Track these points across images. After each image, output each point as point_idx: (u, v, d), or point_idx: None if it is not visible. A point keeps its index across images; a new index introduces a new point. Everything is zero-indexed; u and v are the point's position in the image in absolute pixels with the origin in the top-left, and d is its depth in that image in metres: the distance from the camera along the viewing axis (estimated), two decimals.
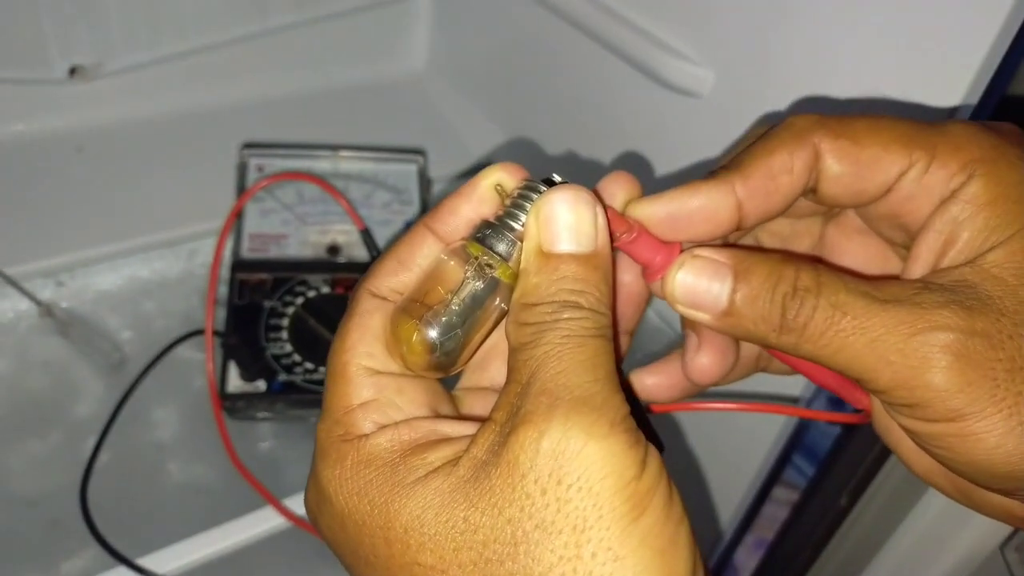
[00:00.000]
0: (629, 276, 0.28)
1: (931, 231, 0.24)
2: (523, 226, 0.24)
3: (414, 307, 0.24)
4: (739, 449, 0.63)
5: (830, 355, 0.23)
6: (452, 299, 0.24)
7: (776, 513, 0.71)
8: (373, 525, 0.22)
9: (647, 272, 0.27)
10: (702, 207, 0.25)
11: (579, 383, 0.21)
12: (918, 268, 0.25)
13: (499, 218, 0.25)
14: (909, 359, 0.22)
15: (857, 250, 0.29)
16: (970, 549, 0.52)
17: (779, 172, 0.25)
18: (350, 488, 0.23)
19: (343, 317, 0.26)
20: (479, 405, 0.28)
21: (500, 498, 0.21)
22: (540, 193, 0.24)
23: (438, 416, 0.25)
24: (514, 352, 0.23)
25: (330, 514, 0.24)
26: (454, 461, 0.22)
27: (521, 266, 0.24)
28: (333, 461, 0.24)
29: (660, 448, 0.23)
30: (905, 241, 0.26)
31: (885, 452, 0.55)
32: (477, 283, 0.24)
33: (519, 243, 0.24)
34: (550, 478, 0.20)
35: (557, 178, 0.25)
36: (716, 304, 0.24)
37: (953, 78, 0.39)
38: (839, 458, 0.59)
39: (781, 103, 0.48)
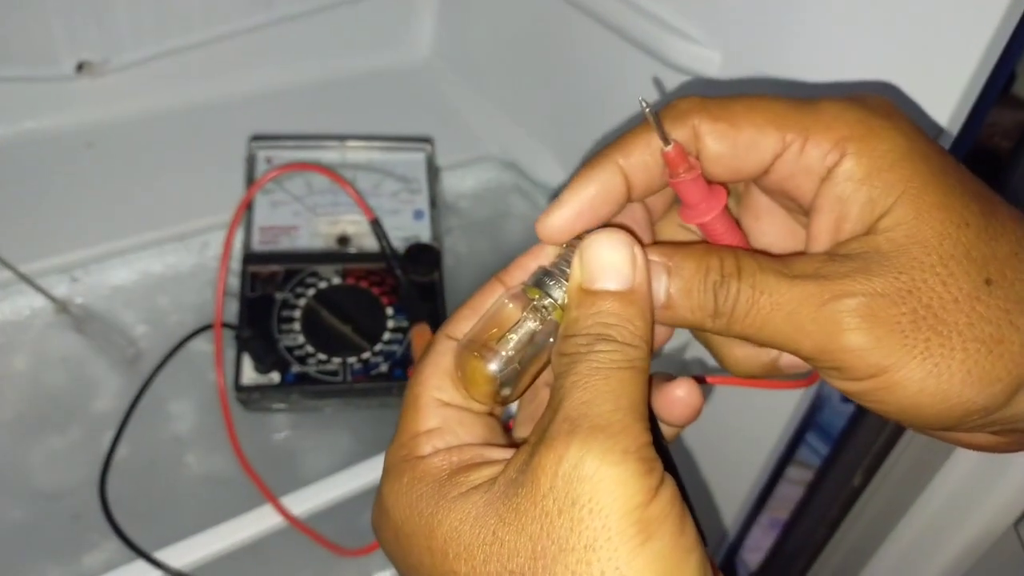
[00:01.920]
0: None
1: (822, 212, 0.26)
2: None
3: (477, 344, 0.27)
4: (753, 429, 0.63)
5: (756, 332, 0.25)
6: (511, 337, 0.27)
7: (790, 493, 0.71)
8: (420, 535, 0.25)
9: (687, 212, 0.28)
10: (599, 191, 0.27)
11: (600, 412, 0.23)
12: (819, 246, 0.26)
13: (555, 265, 0.28)
14: (823, 327, 0.24)
15: (767, 228, 0.30)
16: (984, 526, 0.52)
17: (657, 148, 0.27)
18: (404, 501, 0.26)
19: (422, 355, 0.29)
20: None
21: (524, 515, 0.22)
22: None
23: (489, 444, 0.28)
24: (554, 381, 0.25)
25: (387, 527, 0.26)
26: (493, 480, 0.24)
27: (567, 302, 0.26)
28: (393, 478, 0.26)
29: (676, 477, 0.24)
30: (804, 213, 0.28)
31: (898, 431, 0.54)
32: (533, 323, 0.27)
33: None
34: (566, 499, 0.22)
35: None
36: (656, 299, 0.27)
37: (959, 58, 0.39)
38: (852, 437, 0.59)
39: (787, 82, 0.48)
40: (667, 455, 0.25)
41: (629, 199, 0.28)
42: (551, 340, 0.27)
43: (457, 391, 0.28)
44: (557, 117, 0.72)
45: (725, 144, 0.26)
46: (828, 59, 0.45)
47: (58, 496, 0.52)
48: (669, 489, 0.23)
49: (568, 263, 0.27)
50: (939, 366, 0.23)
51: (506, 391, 0.27)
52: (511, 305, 0.28)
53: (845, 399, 0.51)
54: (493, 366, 0.27)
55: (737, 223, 0.30)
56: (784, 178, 0.27)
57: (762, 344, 0.26)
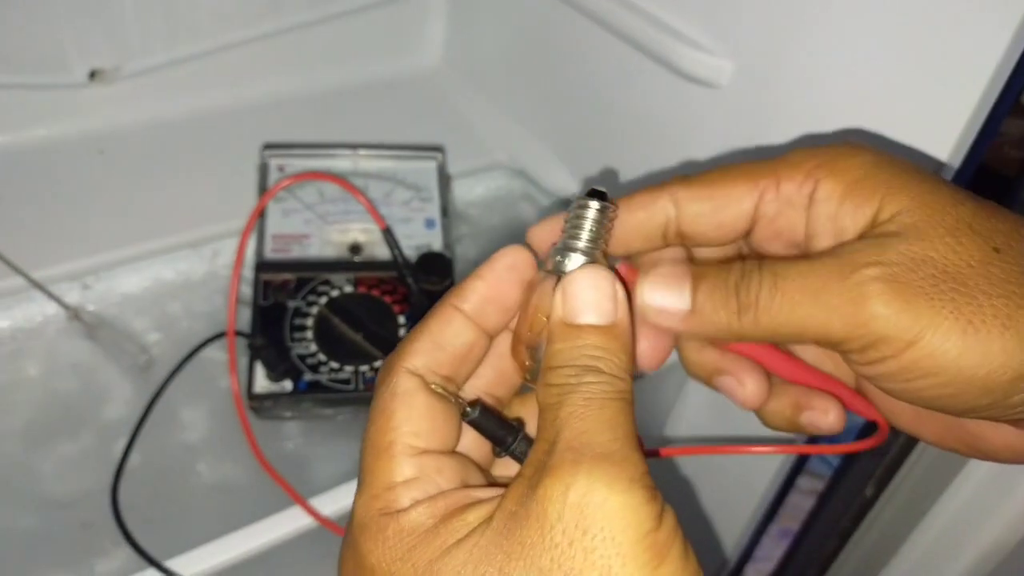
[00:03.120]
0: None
1: (818, 234, 0.27)
2: (587, 239, 0.27)
3: (523, 335, 0.28)
4: (765, 437, 0.63)
5: (785, 321, 0.25)
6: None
7: (801, 503, 0.71)
8: None
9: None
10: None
11: (601, 441, 0.23)
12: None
13: (564, 242, 0.28)
14: (850, 298, 0.24)
15: None
16: (998, 538, 0.52)
17: (635, 208, 0.29)
18: (392, 555, 0.25)
19: (381, 393, 0.27)
20: (505, 476, 0.31)
21: (532, 548, 0.22)
22: (589, 208, 0.27)
23: (468, 486, 0.27)
24: (542, 412, 0.25)
25: None
26: (489, 518, 0.24)
27: (547, 335, 0.26)
28: (374, 533, 0.25)
29: None
30: (802, 252, 0.29)
31: (911, 442, 0.54)
32: None
33: (586, 255, 0.27)
34: (576, 528, 0.22)
35: (601, 188, 0.28)
36: (681, 306, 0.27)
37: (974, 64, 0.39)
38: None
39: (800, 92, 0.48)
40: None
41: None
42: None
43: (435, 435, 0.27)
44: (566, 125, 0.72)
45: (703, 204, 0.28)
46: (841, 69, 0.45)
47: (69, 504, 0.52)
48: (671, 514, 0.23)
49: (577, 237, 0.27)
50: (973, 323, 0.23)
51: None
52: (538, 294, 0.28)
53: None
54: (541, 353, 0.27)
55: None
56: (771, 221, 0.28)
57: (791, 340, 0.26)
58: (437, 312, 0.28)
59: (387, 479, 0.26)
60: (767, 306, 0.25)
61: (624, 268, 0.29)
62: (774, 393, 0.31)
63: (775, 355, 0.31)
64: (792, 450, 0.33)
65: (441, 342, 0.27)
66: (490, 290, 0.28)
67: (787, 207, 0.28)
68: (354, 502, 0.26)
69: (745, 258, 0.30)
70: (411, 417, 0.26)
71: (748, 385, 0.30)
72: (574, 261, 0.27)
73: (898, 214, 0.25)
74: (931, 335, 0.23)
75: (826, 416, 0.31)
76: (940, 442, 0.30)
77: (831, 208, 0.27)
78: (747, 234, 0.29)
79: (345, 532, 0.27)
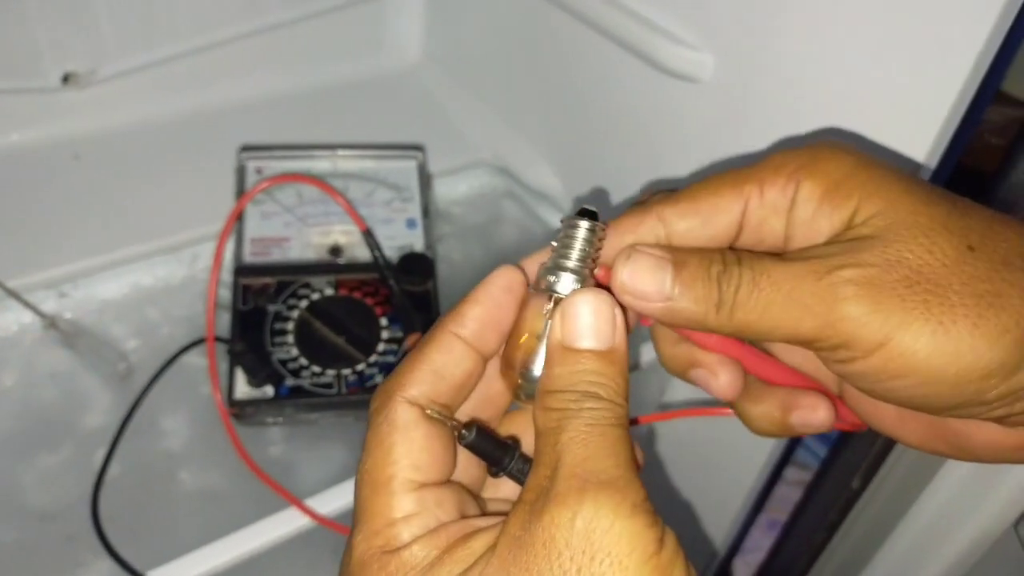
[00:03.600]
0: None
1: (794, 238, 0.28)
2: (577, 258, 0.28)
3: (515, 355, 0.28)
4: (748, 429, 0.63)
5: (759, 317, 0.25)
6: (542, 341, 0.27)
7: (789, 494, 0.71)
8: None
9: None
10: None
11: (604, 467, 0.23)
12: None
13: (554, 261, 0.28)
14: (823, 299, 0.24)
15: None
16: (984, 528, 0.52)
17: (623, 233, 0.29)
18: None
19: (378, 423, 0.26)
20: (495, 498, 0.31)
21: (540, 575, 0.22)
22: (579, 227, 0.27)
23: (466, 516, 0.27)
24: (541, 436, 0.25)
25: None
26: (492, 546, 0.24)
27: (546, 358, 0.26)
28: (375, 571, 0.25)
29: None
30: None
31: None
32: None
33: (576, 274, 0.27)
34: (583, 555, 0.22)
35: (591, 208, 0.28)
36: (660, 292, 0.26)
37: (954, 57, 0.38)
38: (851, 438, 0.59)
39: (781, 86, 0.48)
40: None
41: None
42: None
43: (434, 466, 0.26)
44: (549, 121, 0.71)
45: (690, 219, 0.28)
46: (822, 62, 0.45)
47: (51, 516, 0.51)
48: (672, 536, 0.23)
49: (567, 256, 0.27)
50: (943, 323, 0.24)
51: None
52: (530, 313, 0.28)
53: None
54: (535, 370, 0.27)
55: None
56: (755, 228, 0.28)
57: (763, 337, 0.26)
58: (435, 339, 0.28)
59: (387, 515, 0.25)
60: (743, 302, 0.25)
61: (604, 271, 0.29)
62: (759, 398, 0.31)
63: (754, 356, 0.31)
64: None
65: (442, 372, 0.27)
66: (488, 314, 0.28)
67: (771, 213, 0.28)
68: (351, 540, 0.26)
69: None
70: (411, 451, 0.26)
71: (722, 376, 0.31)
72: (564, 281, 0.27)
73: (873, 216, 0.25)
74: (901, 336, 0.24)
75: (816, 413, 0.31)
76: (924, 444, 0.30)
77: (809, 211, 0.27)
78: (734, 241, 0.29)
79: (341, 570, 0.26)
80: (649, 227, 0.29)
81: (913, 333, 0.24)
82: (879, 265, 0.24)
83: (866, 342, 0.24)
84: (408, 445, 0.26)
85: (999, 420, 0.26)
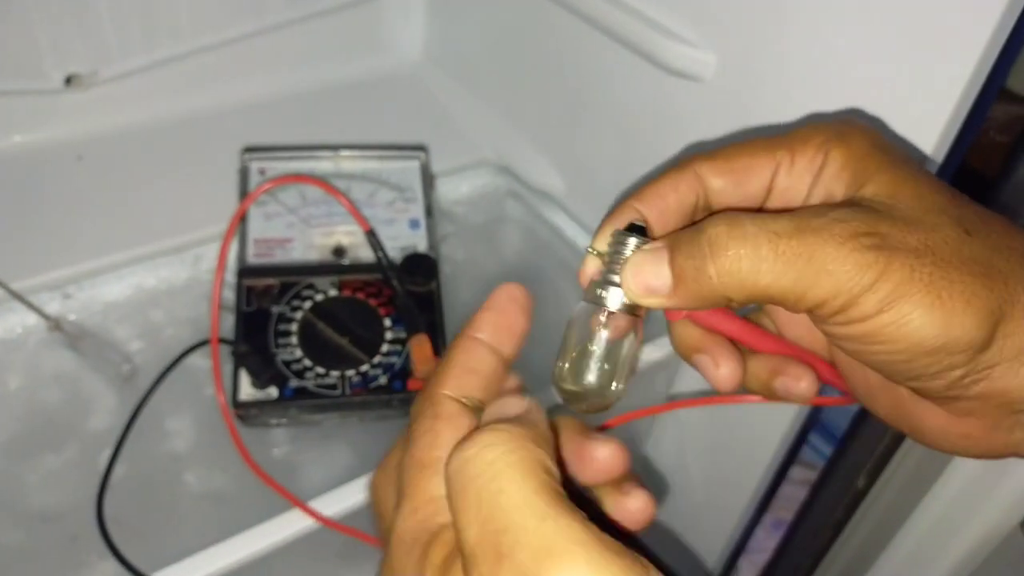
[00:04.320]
0: None
1: (812, 198, 0.29)
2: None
3: (567, 366, 0.30)
4: (756, 428, 0.63)
5: (769, 283, 0.26)
6: (593, 349, 0.29)
7: (794, 493, 0.71)
8: None
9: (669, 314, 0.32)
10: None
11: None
12: None
13: (604, 276, 0.29)
14: (843, 263, 0.25)
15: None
16: (990, 528, 0.52)
17: (666, 192, 0.30)
18: (434, 568, 0.25)
19: (424, 417, 0.28)
20: None
21: None
22: (628, 244, 0.29)
23: None
24: None
25: None
26: None
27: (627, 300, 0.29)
28: (410, 543, 0.26)
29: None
30: None
31: (901, 435, 0.54)
32: (605, 330, 0.29)
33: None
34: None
35: (640, 223, 0.29)
36: (664, 282, 0.28)
37: (958, 55, 0.38)
38: (856, 437, 0.59)
39: (784, 85, 0.48)
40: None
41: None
42: (627, 336, 0.30)
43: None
44: (551, 121, 0.71)
45: (726, 178, 0.30)
46: (825, 61, 0.45)
47: (55, 517, 0.51)
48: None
49: (615, 271, 0.29)
50: (941, 297, 0.25)
51: (611, 393, 0.30)
52: (579, 324, 0.30)
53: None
54: (591, 378, 0.29)
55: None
56: (783, 192, 0.30)
57: (769, 300, 0.26)
58: (459, 345, 0.30)
59: (430, 492, 0.26)
60: (746, 268, 0.26)
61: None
62: (754, 359, 0.33)
63: (753, 331, 0.33)
64: (751, 399, 0.34)
65: (470, 367, 0.29)
66: (500, 317, 0.30)
67: (797, 181, 0.30)
68: (394, 520, 0.27)
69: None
70: (456, 437, 0.27)
71: (723, 367, 0.32)
72: (614, 295, 0.29)
73: (880, 193, 0.27)
74: (901, 305, 0.25)
75: (798, 383, 0.32)
76: (889, 420, 0.32)
77: (830, 176, 0.29)
78: (762, 203, 0.31)
79: (385, 547, 0.27)
80: (689, 185, 0.30)
81: (913, 303, 0.25)
82: (893, 235, 0.25)
83: (870, 307, 0.25)
84: (453, 432, 0.27)
85: (950, 403, 0.28)
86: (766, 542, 0.76)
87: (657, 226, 0.30)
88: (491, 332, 0.30)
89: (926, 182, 0.27)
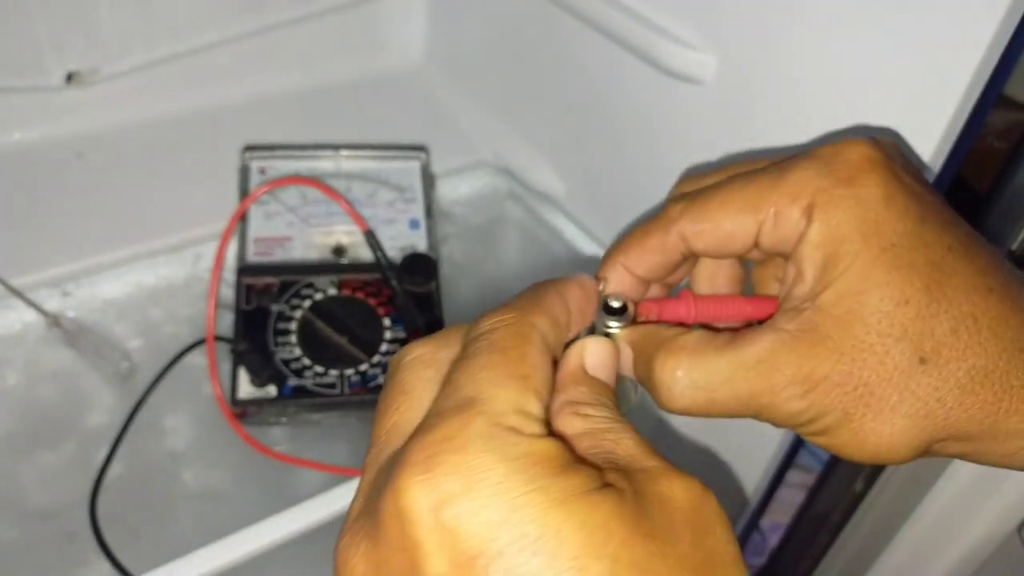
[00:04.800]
0: None
1: (790, 264, 0.29)
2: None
3: None
4: (753, 432, 0.63)
5: (711, 410, 0.28)
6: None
7: (791, 497, 0.71)
8: None
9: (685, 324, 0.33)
10: (616, 290, 0.32)
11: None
12: (783, 291, 0.29)
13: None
14: (779, 413, 0.27)
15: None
16: (986, 532, 0.52)
17: (652, 253, 0.31)
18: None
19: (506, 331, 0.25)
20: None
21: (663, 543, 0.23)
22: (610, 326, 0.31)
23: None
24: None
25: None
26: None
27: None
28: (503, 444, 0.24)
29: None
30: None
31: None
32: None
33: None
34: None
35: (615, 304, 0.31)
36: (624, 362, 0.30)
37: (959, 59, 0.38)
38: None
39: (785, 88, 0.48)
40: None
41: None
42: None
43: (547, 397, 0.26)
44: (550, 122, 0.71)
45: (709, 241, 0.30)
46: (825, 63, 0.45)
47: (52, 515, 0.51)
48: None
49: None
50: (868, 436, 0.26)
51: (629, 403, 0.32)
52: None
53: None
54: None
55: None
56: (769, 248, 0.29)
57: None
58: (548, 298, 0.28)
59: (520, 404, 0.23)
60: (698, 406, 0.28)
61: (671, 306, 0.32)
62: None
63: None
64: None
65: (557, 320, 0.27)
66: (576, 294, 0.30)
67: (781, 243, 0.29)
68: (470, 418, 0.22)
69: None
70: (543, 366, 0.25)
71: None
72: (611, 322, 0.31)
73: (843, 300, 0.27)
74: (833, 436, 0.27)
75: None
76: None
77: (805, 252, 0.28)
78: (750, 251, 0.31)
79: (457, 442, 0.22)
80: (674, 246, 0.31)
81: (844, 440, 0.27)
82: (832, 378, 0.26)
83: (807, 432, 0.28)
84: (542, 360, 0.25)
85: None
86: (763, 546, 0.76)
87: (645, 276, 0.32)
88: (578, 297, 0.29)
89: (897, 291, 0.26)
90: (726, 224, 0.29)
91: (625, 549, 0.20)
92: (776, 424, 0.28)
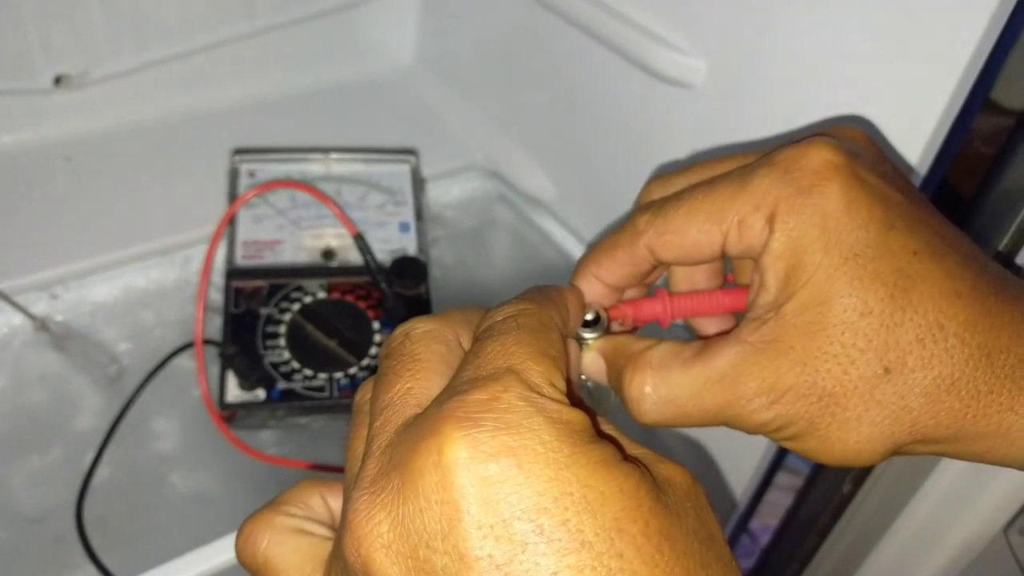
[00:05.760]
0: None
1: (755, 272, 0.29)
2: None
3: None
4: (740, 435, 0.63)
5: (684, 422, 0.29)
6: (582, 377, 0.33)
7: (780, 499, 0.71)
8: None
9: (661, 324, 0.34)
10: (589, 299, 0.32)
11: None
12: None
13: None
14: (749, 423, 0.28)
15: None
16: (973, 533, 0.53)
17: (621, 264, 0.31)
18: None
19: (532, 315, 0.26)
20: None
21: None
22: (587, 340, 0.32)
23: None
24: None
25: None
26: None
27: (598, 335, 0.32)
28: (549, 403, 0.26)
29: None
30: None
31: None
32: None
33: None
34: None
35: (590, 317, 0.32)
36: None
37: (944, 63, 0.39)
38: None
39: (774, 92, 0.48)
40: None
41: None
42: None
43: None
44: (541, 126, 0.72)
45: (675, 252, 0.30)
46: (813, 68, 0.45)
47: (40, 519, 0.51)
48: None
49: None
50: (835, 443, 0.27)
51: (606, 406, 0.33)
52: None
53: None
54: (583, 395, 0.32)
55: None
56: (737, 255, 0.30)
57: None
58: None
59: (553, 378, 0.23)
60: (668, 419, 0.29)
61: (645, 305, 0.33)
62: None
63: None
64: None
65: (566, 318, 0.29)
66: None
67: (746, 252, 0.29)
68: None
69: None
70: (564, 355, 0.25)
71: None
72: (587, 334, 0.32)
73: (806, 311, 0.27)
74: (802, 442, 0.28)
75: None
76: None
77: (768, 262, 0.28)
78: (718, 257, 0.31)
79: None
80: (642, 257, 0.31)
81: (811, 446, 0.27)
82: (797, 387, 0.27)
83: (779, 439, 0.28)
84: (563, 349, 0.26)
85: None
86: (752, 548, 0.77)
87: (617, 285, 0.32)
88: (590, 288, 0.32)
89: (860, 302, 0.26)
90: (692, 234, 0.29)
91: (654, 516, 0.21)
92: (747, 432, 0.28)
